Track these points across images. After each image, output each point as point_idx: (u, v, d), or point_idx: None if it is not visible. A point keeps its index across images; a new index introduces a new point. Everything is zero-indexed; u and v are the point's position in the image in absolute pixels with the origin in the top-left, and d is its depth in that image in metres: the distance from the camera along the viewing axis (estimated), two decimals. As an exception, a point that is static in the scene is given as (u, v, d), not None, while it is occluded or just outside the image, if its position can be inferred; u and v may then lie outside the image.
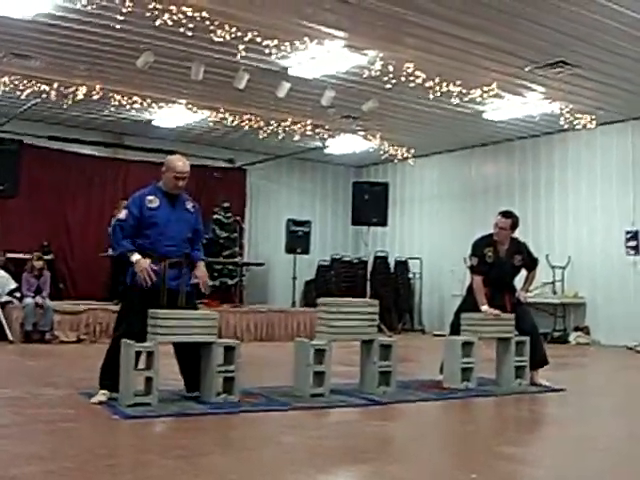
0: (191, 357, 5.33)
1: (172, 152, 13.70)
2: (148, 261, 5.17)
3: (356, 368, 6.02)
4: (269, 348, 9.95)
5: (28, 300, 9.81)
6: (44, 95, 10.45)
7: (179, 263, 5.34)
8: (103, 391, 5.15)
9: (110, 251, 5.01)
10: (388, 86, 10.12)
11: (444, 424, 5.21)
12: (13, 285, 10.20)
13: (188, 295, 5.42)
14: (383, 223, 13.33)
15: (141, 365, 5.02)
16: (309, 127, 12.91)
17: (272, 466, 3.58)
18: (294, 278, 13.87)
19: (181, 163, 5.45)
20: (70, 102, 10.74)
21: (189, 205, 5.57)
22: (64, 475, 3.24)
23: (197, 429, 4.49)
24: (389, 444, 4.29)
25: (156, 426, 4.55)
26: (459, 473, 3.53)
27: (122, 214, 5.37)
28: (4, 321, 9.43)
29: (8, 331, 9.35)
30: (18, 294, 10.05)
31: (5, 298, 9.97)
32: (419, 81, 9.84)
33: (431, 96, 10.50)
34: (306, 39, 8.67)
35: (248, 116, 12.37)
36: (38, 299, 9.88)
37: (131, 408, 4.79)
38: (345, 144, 14.17)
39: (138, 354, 4.98)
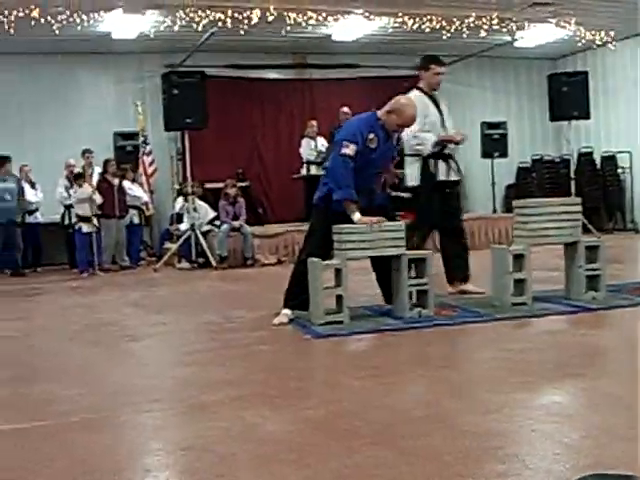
0: (385, 267, 5.12)
1: (355, 66, 13.92)
2: (368, 220, 4.87)
3: (560, 273, 5.54)
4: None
5: (223, 227, 10.12)
6: (220, 24, 10.46)
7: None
8: (286, 311, 5.11)
9: (332, 190, 4.64)
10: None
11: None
12: (212, 214, 10.57)
13: (380, 208, 5.20)
14: (585, 116, 12.24)
15: (330, 284, 4.90)
16: (495, 21, 12.01)
17: (467, 385, 3.32)
18: (493, 184, 13.27)
19: (414, 111, 5.06)
20: (246, 27, 10.68)
21: (396, 134, 5.25)
22: (250, 402, 3.19)
23: (390, 346, 4.32)
24: (599, 356, 3.85)
25: (348, 344, 4.44)
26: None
27: (350, 149, 4.90)
28: (207, 249, 9.80)
29: (211, 258, 9.71)
30: (218, 222, 10.39)
31: (206, 227, 10.36)
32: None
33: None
34: None
35: (428, 17, 11.71)
36: (236, 224, 10.16)
37: (322, 327, 4.71)
38: (536, 35, 13.05)
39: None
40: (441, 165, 5.92)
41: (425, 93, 5.93)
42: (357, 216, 4.87)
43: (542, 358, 3.76)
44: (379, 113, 5.07)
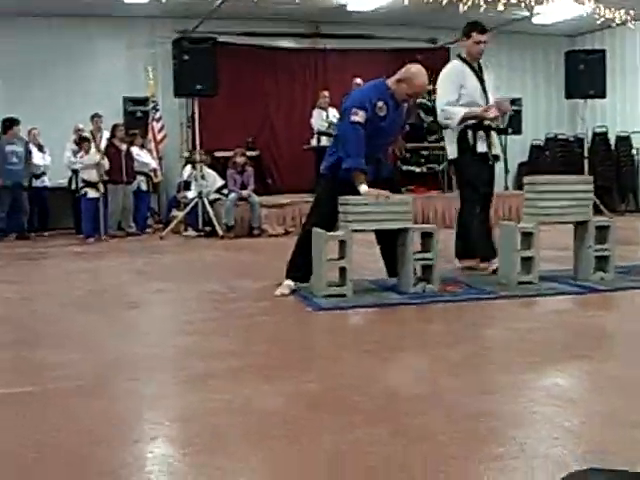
0: (390, 241, 5.03)
1: (370, 37, 13.73)
2: (376, 192, 4.77)
3: (569, 253, 5.44)
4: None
5: (231, 196, 10.04)
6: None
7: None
8: (288, 282, 5.03)
9: (340, 159, 4.52)
10: None
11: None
12: (220, 182, 10.48)
13: (387, 181, 5.10)
14: (601, 95, 12.05)
15: (334, 256, 4.83)
16: (514, -6, 11.78)
17: (468, 364, 3.24)
18: (505, 160, 13.12)
19: (424, 81, 4.94)
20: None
21: (406, 104, 5.10)
22: (250, 373, 3.15)
23: (392, 321, 4.26)
24: (605, 338, 3.78)
25: (349, 318, 4.39)
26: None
27: (360, 116, 4.74)
28: (214, 218, 9.72)
29: (218, 227, 9.64)
30: (226, 191, 10.31)
31: (214, 196, 10.28)
32: None
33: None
34: None
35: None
36: (244, 193, 10.07)
37: (325, 299, 4.65)
38: (555, 11, 12.81)
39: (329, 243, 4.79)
40: (480, 137, 5.63)
41: (465, 62, 5.70)
42: (364, 188, 4.77)
43: (547, 338, 3.69)
44: (389, 82, 4.94)
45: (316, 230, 4.82)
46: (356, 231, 4.81)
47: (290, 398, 2.78)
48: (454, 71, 5.71)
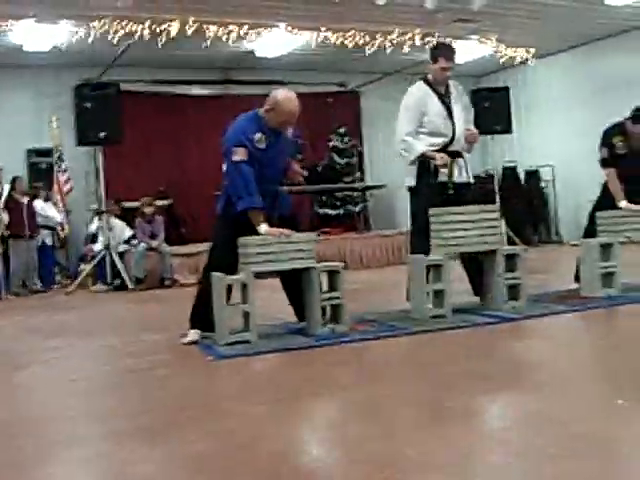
0: (295, 283, 4.78)
1: (280, 82, 13.66)
2: (277, 231, 4.51)
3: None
4: (393, 271, 9.34)
5: (140, 246, 9.68)
6: (137, 36, 10.08)
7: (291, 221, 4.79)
8: (193, 331, 4.74)
9: (234, 200, 4.53)
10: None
11: (584, 340, 4.46)
12: (129, 233, 10.12)
13: (288, 219, 4.87)
14: (507, 130, 12.31)
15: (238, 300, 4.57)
16: (418, 37, 11.94)
17: (373, 407, 3.00)
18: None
19: (292, 107, 4.56)
20: (164, 39, 10.32)
21: (289, 132, 4.80)
22: (129, 435, 2.82)
23: (295, 366, 4.01)
24: (521, 368, 3.59)
25: (251, 365, 4.11)
26: (603, 401, 2.83)
27: (241, 153, 4.49)
28: (123, 270, 9.34)
29: (127, 279, 9.25)
30: (135, 241, 9.94)
31: (123, 247, 9.90)
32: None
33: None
34: None
35: (351, 32, 11.56)
36: (153, 244, 9.73)
37: (228, 347, 4.37)
38: (459, 52, 13.04)
39: (229, 288, 4.53)
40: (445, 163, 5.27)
41: (429, 84, 5.41)
42: (264, 228, 4.53)
43: (461, 370, 3.50)
44: (261, 111, 4.66)
45: (215, 274, 4.55)
46: (259, 274, 4.57)
47: (169, 462, 2.48)
48: (414, 97, 5.38)
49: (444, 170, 5.28)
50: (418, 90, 5.41)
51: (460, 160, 5.44)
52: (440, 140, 5.36)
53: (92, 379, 3.99)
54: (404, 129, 5.34)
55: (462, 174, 5.44)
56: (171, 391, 3.61)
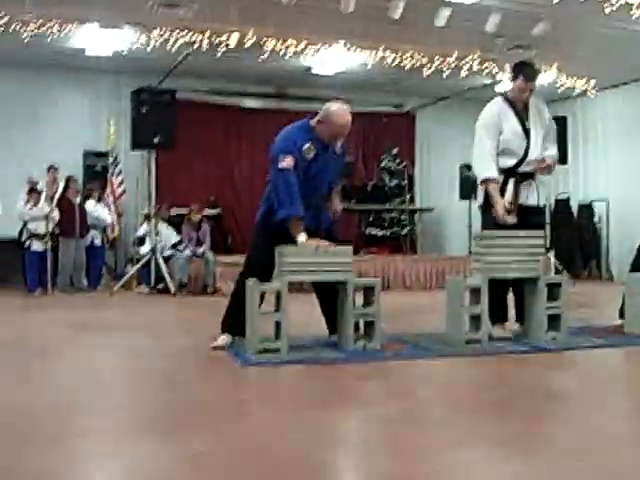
0: (330, 295, 4.72)
1: (336, 99, 13.71)
2: (315, 243, 4.45)
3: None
4: (435, 295, 9.22)
5: (185, 252, 9.76)
6: (196, 45, 10.22)
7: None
8: (223, 336, 4.74)
9: (276, 208, 4.51)
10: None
11: (623, 374, 4.31)
12: (175, 239, 10.21)
13: (327, 231, 4.81)
14: (562, 161, 12.09)
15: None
16: (477, 61, 11.86)
17: (391, 426, 2.93)
18: (470, 226, 13.01)
19: (344, 120, 4.48)
20: (222, 50, 10.44)
21: (339, 145, 4.70)
22: (141, 430, 2.82)
23: (319, 379, 3.95)
24: (555, 399, 3.48)
25: (278, 374, 4.07)
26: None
27: (288, 161, 4.40)
28: (166, 274, 9.41)
29: (170, 283, 9.32)
30: (181, 247, 10.03)
31: (168, 252, 9.99)
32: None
33: (607, 10, 9.09)
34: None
35: (409, 53, 11.53)
36: (199, 250, 9.80)
37: (257, 354, 4.34)
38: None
39: (262, 295, 4.51)
40: (512, 184, 5.06)
41: (508, 101, 5.19)
42: (302, 238, 4.48)
43: (486, 398, 3.42)
44: (312, 121, 4.61)
45: (249, 281, 4.53)
46: (293, 283, 4.54)
47: (175, 460, 2.46)
48: (491, 114, 5.17)
49: (509, 191, 5.07)
50: (494, 108, 5.21)
51: (532, 181, 5.20)
52: (511, 161, 5.13)
53: (118, 374, 4.01)
54: (479, 149, 5.13)
55: (531, 197, 5.19)
56: (194, 392, 3.60)
